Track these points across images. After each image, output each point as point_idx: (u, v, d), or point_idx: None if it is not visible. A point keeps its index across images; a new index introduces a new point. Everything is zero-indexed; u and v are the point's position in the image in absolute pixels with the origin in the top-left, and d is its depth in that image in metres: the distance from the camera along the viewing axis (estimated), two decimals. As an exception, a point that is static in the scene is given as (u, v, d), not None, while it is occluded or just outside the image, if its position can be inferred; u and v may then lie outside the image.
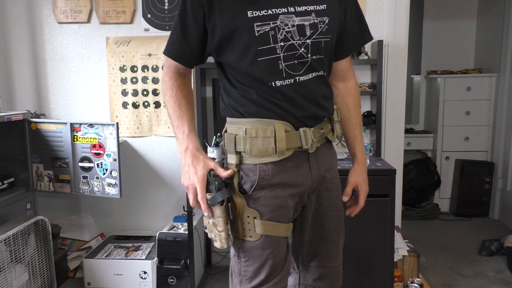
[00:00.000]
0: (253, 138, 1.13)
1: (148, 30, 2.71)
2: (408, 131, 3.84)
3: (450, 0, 4.04)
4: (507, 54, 3.48)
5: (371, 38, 1.31)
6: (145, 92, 2.75)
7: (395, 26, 2.59)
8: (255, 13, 1.08)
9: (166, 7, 2.68)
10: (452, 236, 3.36)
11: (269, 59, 1.10)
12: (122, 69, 2.74)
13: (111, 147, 2.42)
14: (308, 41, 1.13)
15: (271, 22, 1.09)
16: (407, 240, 2.53)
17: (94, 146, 2.45)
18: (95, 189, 2.49)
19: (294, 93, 1.13)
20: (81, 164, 2.49)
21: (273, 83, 1.12)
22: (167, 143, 2.80)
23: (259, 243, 1.14)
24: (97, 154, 2.46)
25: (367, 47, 2.58)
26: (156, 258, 2.47)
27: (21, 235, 2.13)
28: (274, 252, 1.16)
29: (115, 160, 2.42)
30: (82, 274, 2.58)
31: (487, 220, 3.67)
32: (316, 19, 1.14)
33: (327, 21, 1.15)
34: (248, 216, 1.13)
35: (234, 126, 1.17)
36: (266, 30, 1.08)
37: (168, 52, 1.21)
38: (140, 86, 2.74)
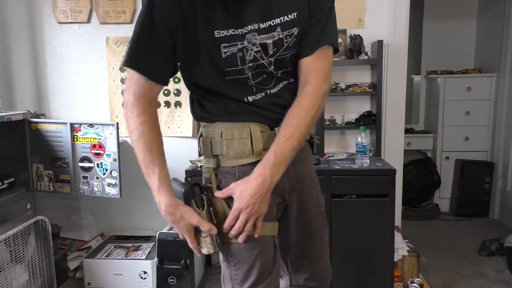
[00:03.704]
0: (229, 140, 1.11)
1: (148, 30, 2.70)
2: (408, 131, 3.84)
3: (450, 0, 4.04)
4: (507, 54, 3.48)
5: (330, 41, 1.12)
6: (145, 92, 2.74)
7: (395, 26, 2.60)
8: (222, 33, 1.02)
9: (166, 7, 2.68)
10: (452, 236, 3.36)
11: (236, 78, 1.07)
12: (122, 69, 2.74)
13: (111, 147, 2.42)
14: (271, 59, 1.08)
15: (238, 43, 1.03)
16: (407, 240, 2.53)
17: (94, 146, 2.45)
18: (95, 189, 2.49)
19: (267, 103, 1.11)
20: (81, 164, 2.49)
21: (244, 99, 1.10)
22: (167, 143, 2.79)
23: (246, 244, 1.11)
24: (97, 154, 2.46)
25: (367, 47, 2.59)
26: (156, 258, 2.47)
27: (21, 235, 2.13)
28: (262, 252, 1.13)
29: (115, 160, 2.42)
30: (82, 274, 2.58)
31: (487, 220, 3.67)
32: (282, 34, 1.06)
33: (296, 33, 1.08)
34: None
35: (209, 130, 1.14)
36: (234, 51, 1.04)
37: (143, 70, 1.04)
38: (140, 86, 2.74)
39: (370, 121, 2.59)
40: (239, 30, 1.02)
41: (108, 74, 2.76)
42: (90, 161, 2.47)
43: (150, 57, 1.04)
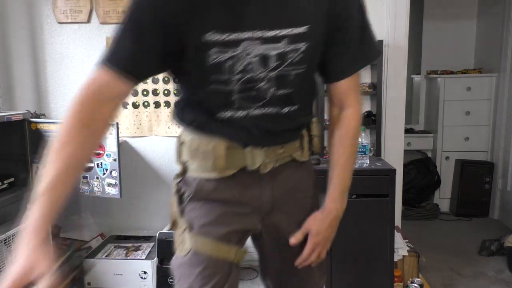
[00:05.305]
0: (194, 150, 1.02)
1: (148, 30, 2.70)
2: (408, 131, 3.84)
3: (450, 0, 4.04)
4: (507, 54, 3.48)
5: (376, 56, 1.09)
6: (145, 92, 2.75)
7: (395, 26, 2.59)
8: (216, 37, 0.88)
9: (166, 7, 2.68)
10: (452, 236, 3.36)
11: (220, 90, 0.94)
12: (122, 69, 2.73)
13: (111, 147, 2.42)
14: (271, 73, 0.93)
15: (230, 50, 0.89)
16: (407, 240, 2.53)
17: (94, 146, 2.45)
18: (95, 189, 2.49)
19: (246, 124, 0.98)
20: (81, 164, 2.49)
21: (221, 113, 0.96)
22: (167, 143, 2.80)
23: (188, 259, 1.00)
24: (97, 154, 2.46)
25: (367, 47, 2.58)
26: (156, 258, 2.47)
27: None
28: (206, 273, 0.99)
29: (115, 160, 2.42)
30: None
31: (487, 220, 3.67)
32: (288, 47, 0.91)
33: (303, 48, 0.92)
34: (180, 227, 1.03)
35: (182, 134, 1.06)
36: (222, 60, 0.89)
37: (111, 62, 0.88)
38: (140, 86, 2.74)
39: (370, 121, 2.59)
40: (236, 35, 0.88)
41: (108, 74, 2.75)
42: (89, 161, 2.47)
43: (124, 49, 0.88)
